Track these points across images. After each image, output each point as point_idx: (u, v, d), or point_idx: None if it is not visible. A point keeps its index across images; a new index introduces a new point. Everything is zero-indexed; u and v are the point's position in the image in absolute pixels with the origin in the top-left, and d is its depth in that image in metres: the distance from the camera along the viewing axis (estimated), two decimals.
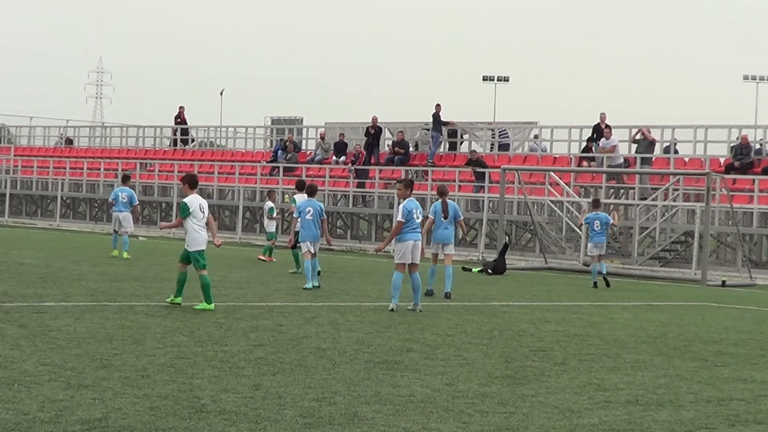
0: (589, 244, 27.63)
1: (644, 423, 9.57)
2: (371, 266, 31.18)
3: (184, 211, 17.05)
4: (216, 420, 8.79)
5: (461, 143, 45.84)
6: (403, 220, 18.42)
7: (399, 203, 18.83)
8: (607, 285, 26.44)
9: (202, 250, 17.17)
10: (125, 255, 27.94)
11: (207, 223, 17.31)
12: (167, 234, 45.82)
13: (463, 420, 9.29)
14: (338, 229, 45.90)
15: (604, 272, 26.99)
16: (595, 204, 28.41)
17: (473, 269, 31.31)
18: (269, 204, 31.00)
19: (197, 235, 17.14)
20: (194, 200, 17.15)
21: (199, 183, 18.92)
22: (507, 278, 29.05)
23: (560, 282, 27.91)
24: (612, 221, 28.05)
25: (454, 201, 41.37)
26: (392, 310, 18.04)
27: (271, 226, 31.08)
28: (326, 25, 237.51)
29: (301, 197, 26.51)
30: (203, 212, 17.16)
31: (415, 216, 18.52)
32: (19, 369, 10.63)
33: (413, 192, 19.14)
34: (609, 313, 19.96)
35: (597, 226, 27.02)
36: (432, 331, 15.45)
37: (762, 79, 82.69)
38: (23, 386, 9.75)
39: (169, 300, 17.32)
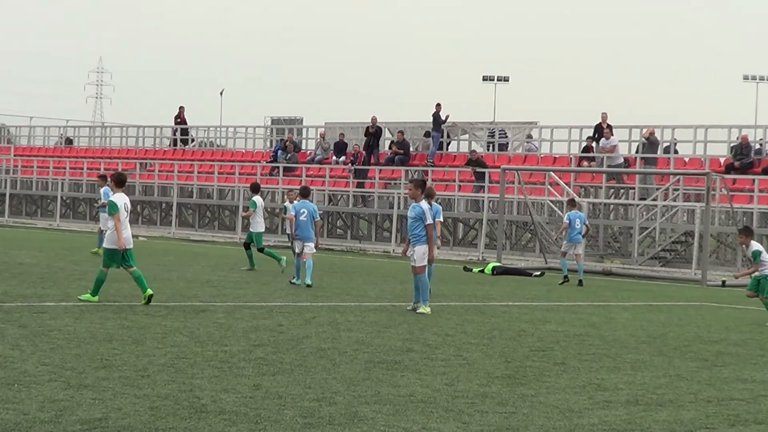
0: (566, 243, 28.08)
1: (644, 423, 9.57)
2: (371, 266, 31.19)
3: (114, 209, 17.19)
4: (216, 420, 8.79)
5: (450, 143, 45.80)
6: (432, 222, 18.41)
7: (427, 204, 18.53)
8: (565, 282, 27.33)
9: (114, 249, 17.14)
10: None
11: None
12: (167, 234, 45.85)
13: (463, 420, 9.29)
14: (338, 229, 45.92)
15: (582, 274, 27.62)
16: (572, 203, 28.97)
17: (474, 269, 31.33)
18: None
19: (113, 232, 17.18)
20: (120, 198, 17.37)
21: (128, 181, 18.73)
22: (507, 278, 29.06)
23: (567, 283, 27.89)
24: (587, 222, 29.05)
25: (455, 201, 41.58)
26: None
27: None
28: (326, 25, 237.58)
29: (257, 199, 27.14)
30: (127, 211, 17.37)
31: None
32: (19, 369, 10.63)
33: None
34: (609, 313, 19.96)
35: (578, 225, 27.84)
36: (432, 331, 15.45)
37: (762, 79, 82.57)
38: (23, 386, 9.75)
39: (143, 301, 17.06)
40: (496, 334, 15.59)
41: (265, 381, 10.66)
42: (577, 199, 35.38)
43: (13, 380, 10.02)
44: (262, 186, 46.45)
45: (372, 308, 18.52)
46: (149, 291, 17.02)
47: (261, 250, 26.92)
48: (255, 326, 14.96)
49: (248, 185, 46.85)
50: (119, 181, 17.69)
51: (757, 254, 19.18)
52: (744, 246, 19.43)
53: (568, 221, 28.12)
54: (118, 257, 17.23)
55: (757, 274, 19.33)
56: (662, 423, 9.62)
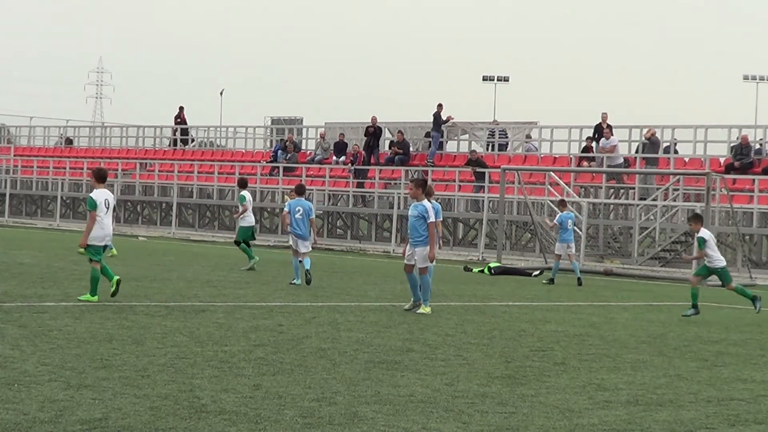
0: (559, 244, 28.17)
1: (644, 423, 9.57)
2: (371, 266, 31.19)
3: (92, 205, 17.25)
4: (216, 420, 8.79)
5: (448, 143, 45.80)
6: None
7: (429, 203, 18.51)
8: (549, 283, 27.49)
9: (99, 246, 17.25)
10: (114, 252, 27.19)
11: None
12: (167, 234, 45.84)
13: (463, 420, 9.29)
14: (338, 229, 45.92)
15: (578, 272, 27.91)
16: (563, 204, 29.06)
17: (474, 269, 31.33)
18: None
19: (98, 228, 17.22)
20: (101, 194, 17.38)
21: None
22: (507, 278, 29.07)
23: (560, 282, 27.91)
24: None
25: (454, 201, 41.56)
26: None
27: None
28: (326, 25, 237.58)
29: (246, 194, 27.29)
30: (107, 207, 17.37)
31: None
32: (19, 369, 10.63)
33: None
34: (609, 313, 19.96)
35: (569, 225, 28.13)
36: (432, 331, 15.45)
37: (762, 79, 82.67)
38: (23, 386, 9.75)
39: (112, 288, 17.09)
40: (496, 334, 15.59)
41: (265, 381, 10.66)
42: (574, 198, 35.32)
43: (13, 380, 10.01)
44: (261, 186, 46.74)
45: (372, 308, 18.52)
46: (115, 277, 17.15)
47: (237, 243, 27.02)
48: (255, 326, 14.95)
49: (248, 186, 47.11)
50: (99, 177, 17.69)
51: (701, 241, 19.73)
52: (695, 233, 20.02)
53: (558, 223, 28.21)
54: (101, 250, 17.29)
55: (710, 266, 19.82)
56: (662, 423, 9.62)
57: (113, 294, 17.14)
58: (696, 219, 20.35)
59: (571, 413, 9.83)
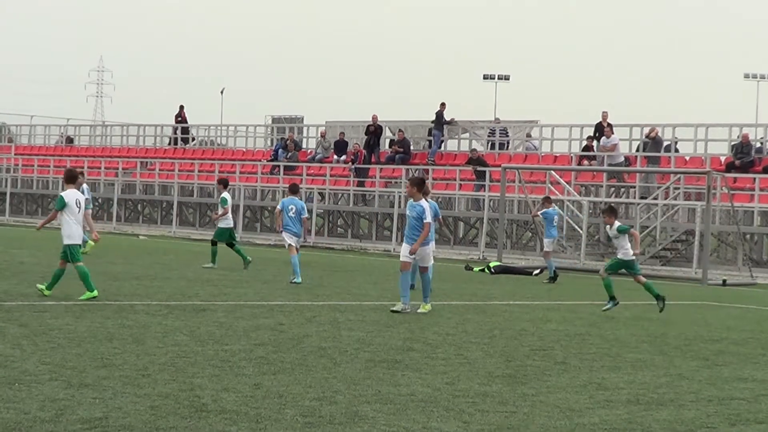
0: (547, 240, 28.23)
1: (645, 422, 9.56)
2: (372, 265, 31.19)
3: (60, 204, 17.36)
4: (217, 419, 8.78)
5: (447, 141, 45.83)
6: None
7: (426, 203, 18.52)
8: (551, 281, 27.63)
9: (77, 245, 17.40)
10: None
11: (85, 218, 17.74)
12: (168, 233, 45.85)
13: (464, 419, 9.29)
14: (339, 228, 45.92)
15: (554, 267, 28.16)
16: (548, 201, 29.23)
17: (474, 268, 31.33)
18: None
19: (70, 228, 17.37)
20: (71, 194, 17.45)
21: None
22: (508, 277, 29.06)
23: (561, 281, 27.91)
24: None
25: (455, 200, 41.56)
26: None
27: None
28: (327, 24, 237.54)
29: (228, 195, 27.18)
30: (79, 207, 17.42)
31: None
32: (20, 368, 10.63)
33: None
34: (610, 312, 19.95)
35: (555, 221, 28.35)
36: (433, 330, 15.45)
37: (763, 77, 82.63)
38: (24, 385, 9.75)
39: (40, 288, 17.41)
40: (496, 333, 15.59)
41: (266, 380, 10.65)
42: (575, 197, 35.32)
43: (13, 379, 10.01)
44: (262, 185, 46.72)
45: (373, 307, 18.51)
46: (47, 291, 17.23)
47: (214, 243, 26.92)
48: (255, 325, 14.95)
49: (249, 184, 47.21)
50: (69, 177, 17.88)
51: (623, 228, 19.54)
52: (608, 226, 19.75)
53: (543, 217, 28.29)
54: (79, 248, 17.44)
55: (622, 257, 19.55)
56: (663, 422, 9.61)
57: (43, 290, 17.27)
58: (610, 212, 19.95)
59: (571, 412, 9.83)
